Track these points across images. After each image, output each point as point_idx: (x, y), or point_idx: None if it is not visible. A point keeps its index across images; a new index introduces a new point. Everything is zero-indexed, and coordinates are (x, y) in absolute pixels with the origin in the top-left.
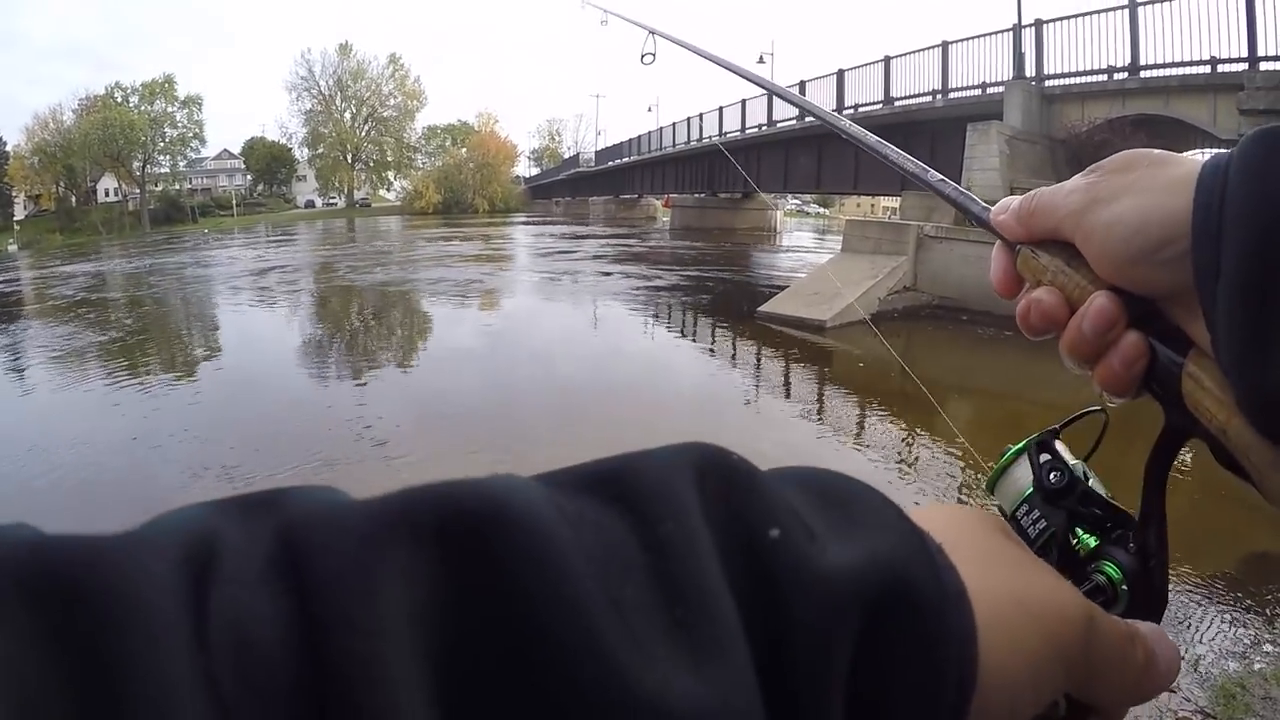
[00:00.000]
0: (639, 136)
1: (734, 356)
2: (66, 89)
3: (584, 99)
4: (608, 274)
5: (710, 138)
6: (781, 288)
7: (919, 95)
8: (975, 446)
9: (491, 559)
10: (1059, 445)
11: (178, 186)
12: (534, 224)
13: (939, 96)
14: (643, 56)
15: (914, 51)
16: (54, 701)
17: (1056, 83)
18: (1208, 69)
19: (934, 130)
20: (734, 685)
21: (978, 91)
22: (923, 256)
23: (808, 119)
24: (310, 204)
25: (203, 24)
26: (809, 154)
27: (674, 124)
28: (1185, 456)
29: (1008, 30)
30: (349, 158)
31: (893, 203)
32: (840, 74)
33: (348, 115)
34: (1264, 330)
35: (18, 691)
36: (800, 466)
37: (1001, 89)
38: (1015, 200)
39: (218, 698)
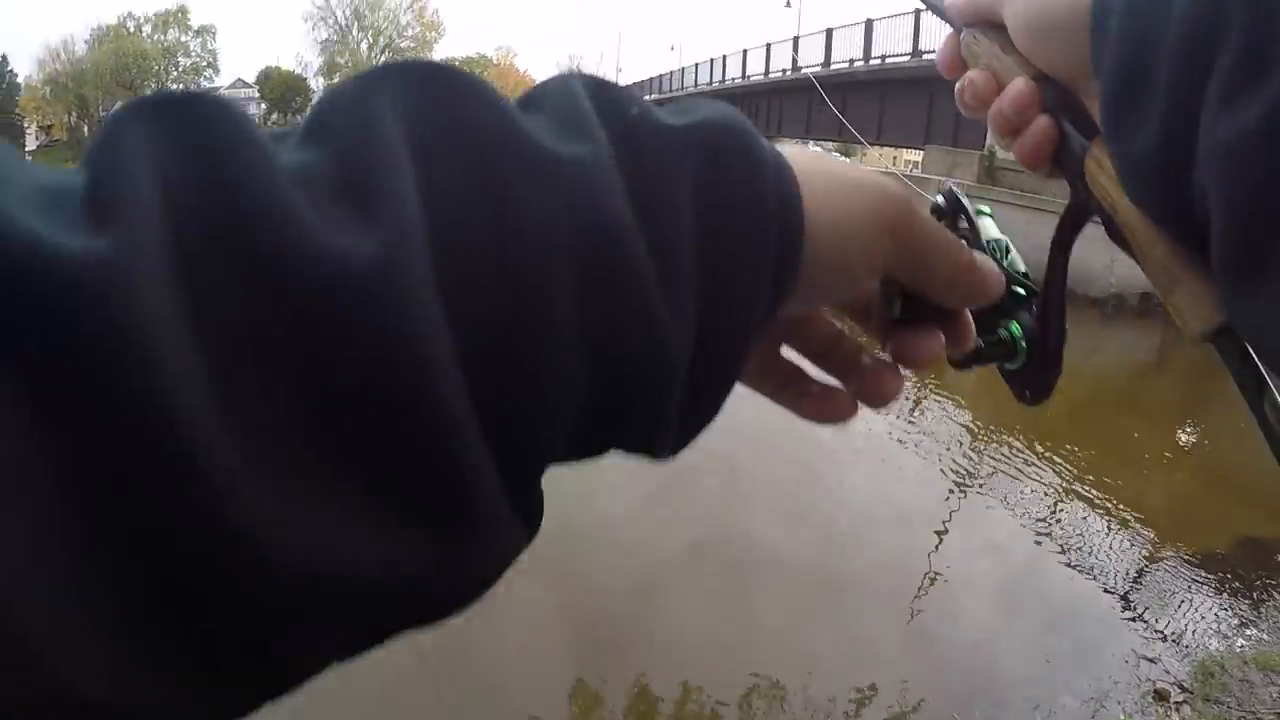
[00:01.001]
0: (660, 75)
1: None
2: (80, 22)
3: (605, 35)
4: None
5: (733, 79)
6: None
7: None
8: (977, 411)
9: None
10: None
11: None
12: None
13: None
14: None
15: None
16: None
17: None
18: None
19: None
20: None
21: None
22: None
23: (834, 65)
24: None
25: None
26: (834, 101)
27: (696, 64)
28: (1189, 440)
29: None
30: None
31: (915, 156)
32: None
33: (364, 45)
34: (1130, 101)
35: None
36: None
37: None
38: None
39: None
